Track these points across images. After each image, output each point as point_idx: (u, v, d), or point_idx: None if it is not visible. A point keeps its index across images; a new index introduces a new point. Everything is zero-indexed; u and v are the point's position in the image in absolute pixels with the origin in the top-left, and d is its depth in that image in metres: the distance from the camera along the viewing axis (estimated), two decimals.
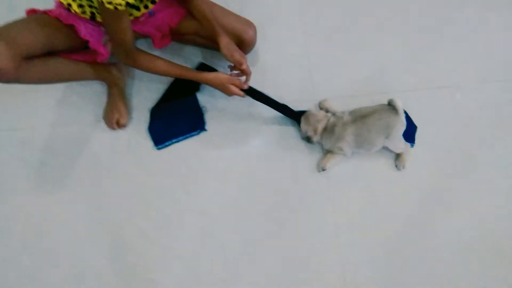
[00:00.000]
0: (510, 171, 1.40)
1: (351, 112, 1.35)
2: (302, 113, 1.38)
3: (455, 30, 1.61)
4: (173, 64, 1.31)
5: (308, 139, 1.36)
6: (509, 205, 1.37)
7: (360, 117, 1.31)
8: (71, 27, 1.23)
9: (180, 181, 1.41)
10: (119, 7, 1.06)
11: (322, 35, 1.59)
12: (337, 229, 1.34)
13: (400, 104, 1.28)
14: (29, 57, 1.15)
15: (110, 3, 1.05)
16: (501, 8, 1.65)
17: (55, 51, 1.26)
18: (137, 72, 1.52)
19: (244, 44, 1.41)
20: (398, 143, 1.35)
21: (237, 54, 1.30)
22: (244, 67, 1.31)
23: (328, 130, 1.33)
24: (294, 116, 1.41)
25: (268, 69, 1.52)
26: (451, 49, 1.58)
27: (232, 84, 1.31)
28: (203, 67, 1.50)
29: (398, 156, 1.39)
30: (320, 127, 1.33)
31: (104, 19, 1.16)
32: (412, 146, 1.42)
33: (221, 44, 1.29)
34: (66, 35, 1.23)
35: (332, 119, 1.34)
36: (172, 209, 1.37)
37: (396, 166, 1.40)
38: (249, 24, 1.42)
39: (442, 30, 1.61)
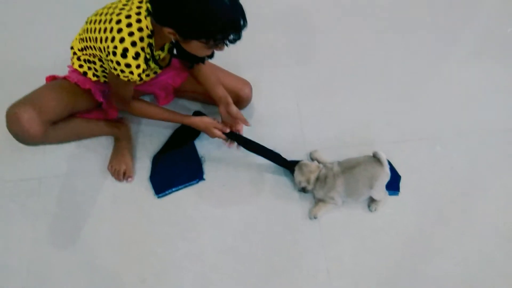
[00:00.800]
0: (490, 217, 1.48)
1: (340, 163, 1.44)
2: (295, 163, 1.47)
3: (433, 85, 1.76)
4: (163, 109, 1.42)
5: (303, 190, 1.44)
6: (490, 249, 1.43)
7: (348, 168, 1.41)
8: (88, 91, 1.34)
9: (179, 228, 1.46)
10: (131, 80, 1.18)
11: (311, 91, 1.73)
12: (329, 276, 1.39)
13: (384, 156, 1.39)
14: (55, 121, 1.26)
15: (126, 76, 1.16)
16: (477, 64, 1.81)
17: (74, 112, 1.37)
18: (140, 125, 1.63)
19: (241, 101, 1.55)
20: (381, 192, 1.44)
21: (239, 114, 1.43)
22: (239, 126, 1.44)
23: (321, 180, 1.41)
24: (287, 165, 1.50)
25: (263, 123, 1.64)
26: (431, 103, 1.72)
27: (215, 127, 1.41)
28: (197, 114, 1.60)
29: (373, 199, 1.47)
30: (313, 177, 1.42)
31: (111, 81, 1.27)
32: (397, 194, 1.51)
33: (231, 106, 1.43)
34: (84, 98, 1.35)
35: (323, 170, 1.43)
36: (171, 256, 1.42)
37: (369, 207, 1.47)
38: (246, 83, 1.56)
39: (422, 85, 1.76)
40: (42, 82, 1.43)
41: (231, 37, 1.06)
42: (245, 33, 1.10)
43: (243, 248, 1.44)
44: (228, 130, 1.42)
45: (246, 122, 1.44)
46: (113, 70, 1.17)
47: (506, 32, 1.91)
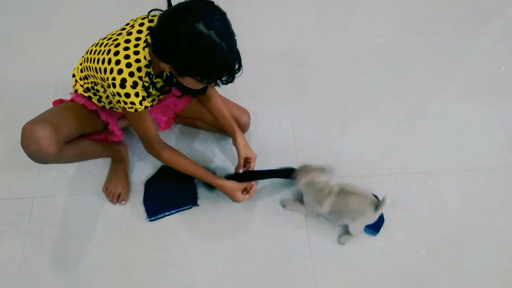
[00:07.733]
0: (480, 254, 1.49)
1: (340, 185, 1.41)
2: (291, 170, 1.44)
3: (426, 121, 1.79)
4: (192, 162, 1.41)
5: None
6: (480, 287, 1.44)
7: (345, 192, 1.38)
8: (94, 112, 1.36)
9: (170, 254, 1.45)
10: (139, 110, 1.19)
11: (307, 123, 1.76)
12: None
13: (384, 206, 1.33)
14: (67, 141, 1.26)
15: (130, 108, 1.18)
16: (469, 102, 1.85)
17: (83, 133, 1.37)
18: (135, 148, 1.64)
19: (240, 128, 1.57)
20: (359, 229, 1.44)
21: (251, 151, 1.46)
22: (252, 163, 1.46)
23: (318, 188, 1.38)
24: (287, 174, 1.46)
25: (259, 150, 1.62)
26: (423, 138, 1.74)
27: (239, 190, 1.41)
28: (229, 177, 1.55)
29: (346, 232, 1.46)
30: (314, 176, 1.37)
31: (127, 118, 1.30)
32: (375, 235, 1.50)
33: (238, 140, 1.45)
34: (91, 119, 1.36)
35: (323, 182, 1.39)
36: (160, 283, 1.40)
37: (339, 239, 1.48)
38: (245, 111, 1.59)
39: (415, 121, 1.79)
40: (43, 103, 1.45)
41: (224, 78, 1.08)
42: (246, 63, 1.13)
43: (233, 276, 1.43)
44: (241, 171, 1.46)
45: (253, 161, 1.47)
46: (116, 103, 1.19)
47: (499, 71, 1.96)
